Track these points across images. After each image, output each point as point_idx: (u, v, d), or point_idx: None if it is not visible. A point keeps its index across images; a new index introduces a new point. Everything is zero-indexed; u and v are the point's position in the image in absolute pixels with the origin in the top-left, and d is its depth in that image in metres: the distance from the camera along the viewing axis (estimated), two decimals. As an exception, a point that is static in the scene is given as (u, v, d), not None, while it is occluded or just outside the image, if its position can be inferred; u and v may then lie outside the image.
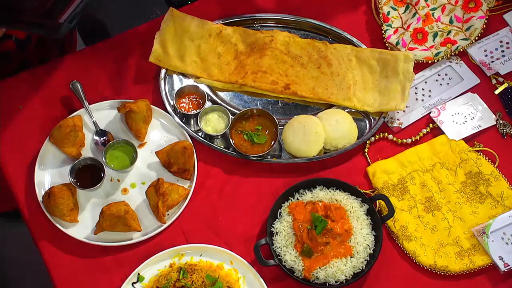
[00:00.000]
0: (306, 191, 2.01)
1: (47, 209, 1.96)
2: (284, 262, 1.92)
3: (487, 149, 2.09)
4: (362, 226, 1.95)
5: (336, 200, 1.98)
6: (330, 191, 2.00)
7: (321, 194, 1.99)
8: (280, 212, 1.99)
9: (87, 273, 1.94)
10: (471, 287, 1.95)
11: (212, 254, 1.95)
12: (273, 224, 1.97)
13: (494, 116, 2.14)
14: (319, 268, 1.90)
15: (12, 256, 3.01)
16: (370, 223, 1.96)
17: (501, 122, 2.13)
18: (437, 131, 2.14)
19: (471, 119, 2.13)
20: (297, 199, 2.00)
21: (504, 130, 2.13)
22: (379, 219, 1.95)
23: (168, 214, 2.00)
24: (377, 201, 2.00)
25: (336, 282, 1.89)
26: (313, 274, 1.90)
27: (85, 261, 1.95)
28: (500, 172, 2.05)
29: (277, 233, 1.96)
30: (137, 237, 1.97)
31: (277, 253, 1.94)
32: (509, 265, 1.91)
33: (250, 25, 2.28)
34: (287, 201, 2.00)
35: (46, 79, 2.18)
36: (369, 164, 2.09)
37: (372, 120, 2.14)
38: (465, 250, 1.96)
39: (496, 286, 1.95)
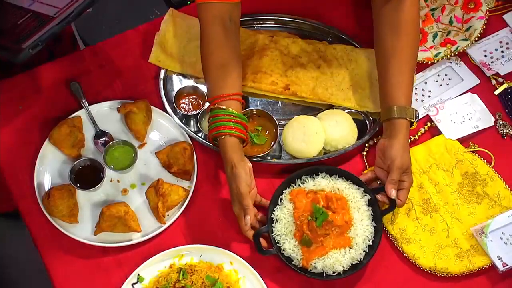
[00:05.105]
0: (309, 178, 1.99)
1: (47, 209, 1.96)
2: (283, 251, 1.91)
3: (482, 149, 2.08)
4: (363, 217, 1.93)
5: (338, 189, 1.95)
6: (332, 179, 1.98)
7: (324, 183, 1.97)
8: (281, 199, 1.98)
9: (86, 274, 1.94)
10: (470, 287, 1.95)
11: (212, 254, 1.96)
12: (274, 210, 1.96)
13: (493, 117, 2.13)
14: (318, 258, 1.89)
15: (12, 256, 3.01)
16: (371, 214, 1.95)
17: (501, 122, 2.13)
18: (434, 131, 2.13)
19: (469, 119, 2.13)
20: (299, 185, 1.99)
21: (504, 131, 2.12)
22: (379, 210, 1.94)
23: (168, 215, 2.00)
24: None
25: (333, 272, 1.89)
26: (311, 264, 1.90)
27: (85, 261, 1.96)
28: (496, 172, 2.05)
29: (277, 220, 1.95)
30: (137, 237, 1.97)
31: (276, 241, 1.93)
32: (507, 265, 1.92)
33: (250, 25, 2.28)
34: (288, 188, 1.99)
35: (46, 79, 2.18)
36: (367, 168, 2.08)
37: (372, 121, 2.14)
38: (464, 251, 1.96)
39: (496, 286, 1.95)
